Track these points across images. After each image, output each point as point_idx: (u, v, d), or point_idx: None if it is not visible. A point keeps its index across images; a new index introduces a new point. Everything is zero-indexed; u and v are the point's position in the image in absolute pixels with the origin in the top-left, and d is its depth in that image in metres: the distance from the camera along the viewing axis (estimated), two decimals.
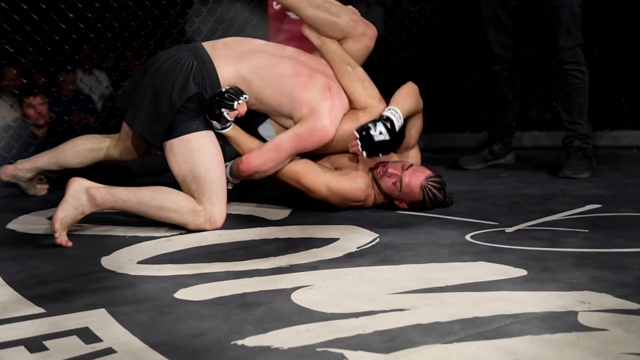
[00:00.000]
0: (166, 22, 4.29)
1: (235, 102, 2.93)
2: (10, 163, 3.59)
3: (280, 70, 3.05)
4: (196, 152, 2.88)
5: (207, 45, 3.08)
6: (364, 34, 3.24)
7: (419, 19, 4.79)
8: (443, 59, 4.87)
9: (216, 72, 2.97)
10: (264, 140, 3.11)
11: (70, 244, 2.69)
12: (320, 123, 3.01)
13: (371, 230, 2.80)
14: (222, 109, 2.93)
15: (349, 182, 3.07)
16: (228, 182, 3.05)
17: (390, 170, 3.06)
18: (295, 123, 3.04)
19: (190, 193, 2.88)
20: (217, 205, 2.87)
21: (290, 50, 3.21)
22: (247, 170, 3.03)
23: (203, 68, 2.96)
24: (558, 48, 3.77)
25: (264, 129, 3.14)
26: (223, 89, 2.96)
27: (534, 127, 4.78)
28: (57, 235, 2.68)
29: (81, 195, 2.74)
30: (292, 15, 4.08)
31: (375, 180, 3.12)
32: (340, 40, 3.23)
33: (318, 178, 3.07)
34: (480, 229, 2.79)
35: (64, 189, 2.79)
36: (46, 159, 3.42)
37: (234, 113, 2.95)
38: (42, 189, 3.60)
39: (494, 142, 4.14)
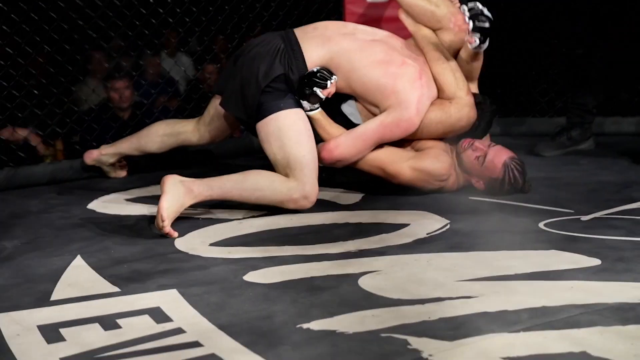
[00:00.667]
0: (243, 6, 4.33)
1: (328, 82, 2.96)
2: (93, 146, 3.70)
3: (371, 56, 3.03)
4: (285, 128, 2.89)
5: (297, 30, 3.10)
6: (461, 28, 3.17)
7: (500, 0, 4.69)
8: (523, 42, 4.76)
9: (302, 55, 3.00)
10: (346, 118, 3.13)
11: (176, 234, 2.65)
12: (408, 114, 2.99)
13: (442, 217, 2.78)
14: (315, 87, 2.96)
15: (433, 159, 3.06)
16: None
17: (476, 144, 3.06)
18: (381, 111, 3.03)
19: (282, 171, 2.89)
20: (310, 178, 2.86)
21: (381, 33, 3.18)
22: (330, 158, 3.03)
23: (289, 50, 2.99)
24: None
25: (348, 106, 3.13)
26: (314, 69, 2.98)
27: (616, 113, 4.62)
28: (165, 224, 2.62)
29: (179, 187, 2.73)
30: None
31: (457, 156, 3.11)
32: (435, 31, 3.17)
33: (401, 162, 3.07)
34: (555, 216, 2.73)
35: (158, 182, 2.82)
36: (127, 145, 3.51)
37: (326, 91, 2.98)
38: (122, 172, 3.70)
39: (572, 128, 4.04)
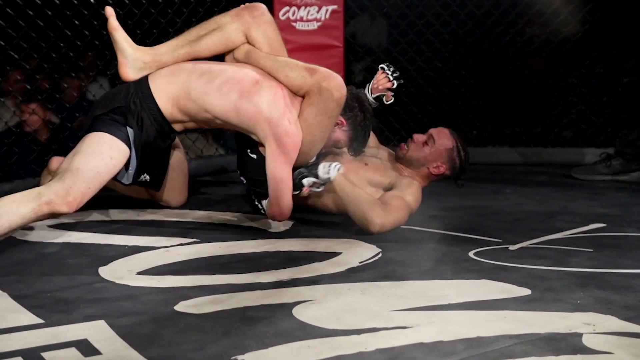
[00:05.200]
0: (171, 30, 4.28)
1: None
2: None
3: (216, 78, 2.92)
4: (87, 142, 2.80)
5: (151, 75, 3.02)
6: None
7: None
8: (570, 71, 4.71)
9: (149, 87, 2.93)
10: (252, 160, 3.07)
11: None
12: (283, 129, 2.85)
13: (373, 245, 2.78)
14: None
15: (411, 194, 3.10)
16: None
17: (414, 136, 3.25)
18: (260, 139, 2.92)
19: (56, 176, 2.74)
20: (69, 187, 2.64)
21: (228, 64, 3.10)
22: (285, 218, 2.98)
23: (137, 87, 2.94)
24: None
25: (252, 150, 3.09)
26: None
27: (539, 143, 4.73)
28: None
29: None
30: (297, 27, 4.08)
31: (406, 162, 3.23)
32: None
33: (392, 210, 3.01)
34: (484, 245, 2.77)
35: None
36: None
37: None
38: None
39: (614, 157, 4.06)
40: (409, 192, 3.09)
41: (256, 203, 3.15)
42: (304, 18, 4.07)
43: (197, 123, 3.03)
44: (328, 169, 2.94)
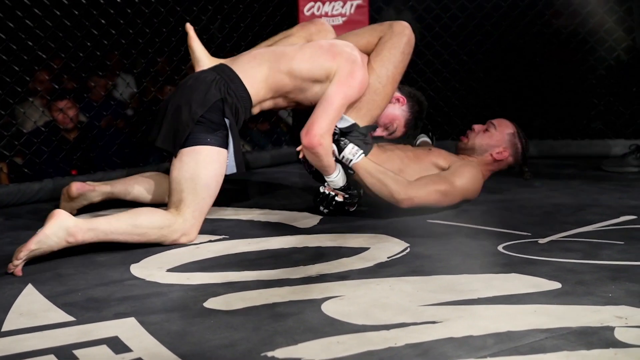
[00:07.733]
0: (197, 27, 4.29)
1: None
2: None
3: (296, 46, 3.12)
4: (202, 164, 2.83)
5: (226, 61, 3.09)
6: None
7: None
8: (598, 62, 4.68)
9: (239, 77, 2.97)
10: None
11: (20, 274, 2.46)
12: (352, 59, 3.05)
13: (401, 240, 2.77)
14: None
15: (466, 179, 3.18)
16: (337, 193, 3.12)
17: (474, 126, 3.38)
18: (332, 77, 3.05)
19: (176, 199, 2.82)
20: (197, 220, 2.82)
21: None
22: (312, 141, 2.98)
23: (225, 77, 2.96)
24: None
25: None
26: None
27: (568, 136, 4.68)
28: (16, 264, 2.46)
29: (60, 233, 2.56)
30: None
31: (471, 152, 3.33)
32: None
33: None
34: (513, 239, 2.75)
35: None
36: (120, 187, 3.27)
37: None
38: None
39: None
40: (459, 173, 3.15)
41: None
42: (329, 13, 4.06)
43: (279, 99, 3.10)
44: (355, 152, 3.03)
